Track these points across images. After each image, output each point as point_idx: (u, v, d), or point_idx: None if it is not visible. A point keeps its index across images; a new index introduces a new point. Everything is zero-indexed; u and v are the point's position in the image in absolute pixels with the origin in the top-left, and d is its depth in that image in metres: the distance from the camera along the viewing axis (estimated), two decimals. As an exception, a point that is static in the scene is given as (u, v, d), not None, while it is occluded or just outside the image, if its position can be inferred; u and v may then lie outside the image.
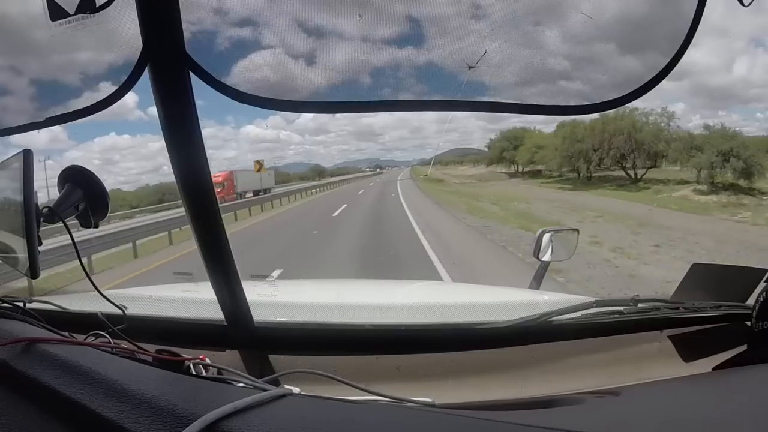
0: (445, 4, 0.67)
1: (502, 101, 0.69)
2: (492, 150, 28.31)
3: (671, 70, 0.65)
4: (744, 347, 0.91)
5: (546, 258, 1.58)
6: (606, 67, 0.69)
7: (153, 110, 0.70)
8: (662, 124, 18.69)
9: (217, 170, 22.18)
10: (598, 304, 1.02)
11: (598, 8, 0.65)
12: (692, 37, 0.63)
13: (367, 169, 47.36)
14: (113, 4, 0.66)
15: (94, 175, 0.77)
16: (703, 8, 0.62)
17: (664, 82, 0.66)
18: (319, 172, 44.14)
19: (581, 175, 20.76)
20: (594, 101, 0.69)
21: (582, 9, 0.64)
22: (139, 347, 0.73)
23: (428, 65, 0.67)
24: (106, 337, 0.76)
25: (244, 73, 0.70)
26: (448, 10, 0.66)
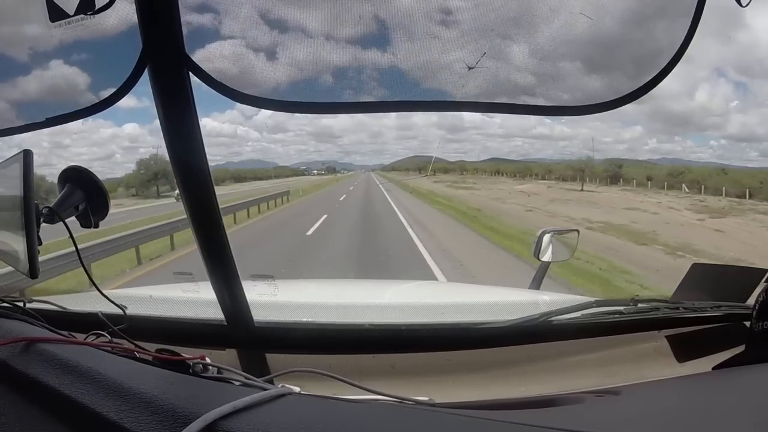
0: (413, 8, 0.66)
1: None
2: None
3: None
4: (743, 347, 0.91)
5: (546, 258, 1.58)
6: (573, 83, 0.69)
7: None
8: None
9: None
10: (598, 304, 1.02)
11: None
12: (680, 57, 0.64)
13: (315, 172, 38.39)
14: (113, 5, 0.67)
15: (95, 175, 0.78)
16: (692, 36, 0.63)
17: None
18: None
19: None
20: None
21: (554, 24, 0.64)
22: (139, 347, 0.73)
23: (392, 68, 0.67)
24: (106, 336, 0.76)
25: (244, 73, 0.70)
26: (417, 13, 0.66)
